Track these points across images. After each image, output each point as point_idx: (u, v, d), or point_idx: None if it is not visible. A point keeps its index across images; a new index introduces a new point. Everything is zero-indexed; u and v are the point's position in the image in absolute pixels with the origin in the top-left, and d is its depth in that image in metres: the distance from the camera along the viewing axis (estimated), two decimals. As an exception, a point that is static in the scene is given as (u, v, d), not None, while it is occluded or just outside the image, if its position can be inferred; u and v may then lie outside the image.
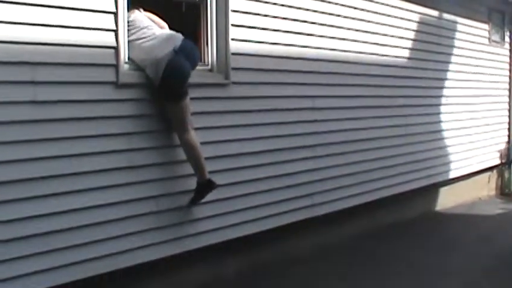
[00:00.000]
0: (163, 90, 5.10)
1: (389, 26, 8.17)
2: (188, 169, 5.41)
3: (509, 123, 12.20)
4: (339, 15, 7.23)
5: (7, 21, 4.29)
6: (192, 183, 5.45)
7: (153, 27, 5.31)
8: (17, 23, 4.35)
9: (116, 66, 4.95)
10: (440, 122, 9.50)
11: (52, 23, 4.53)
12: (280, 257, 6.60)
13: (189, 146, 5.30)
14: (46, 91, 4.52)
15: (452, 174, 9.91)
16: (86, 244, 4.78)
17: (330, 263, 6.80)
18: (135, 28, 5.17)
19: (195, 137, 5.32)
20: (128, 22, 5.11)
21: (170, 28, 5.45)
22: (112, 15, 4.92)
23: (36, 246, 4.49)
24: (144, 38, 5.15)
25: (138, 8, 5.35)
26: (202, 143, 5.46)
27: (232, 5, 5.87)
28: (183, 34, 5.28)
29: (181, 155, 5.37)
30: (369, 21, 7.77)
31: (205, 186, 5.47)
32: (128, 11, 5.12)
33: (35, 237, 4.48)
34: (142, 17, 5.34)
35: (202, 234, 5.72)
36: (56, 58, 4.57)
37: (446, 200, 10.04)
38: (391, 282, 6.29)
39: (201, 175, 5.43)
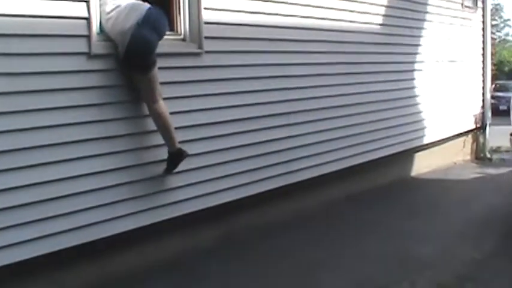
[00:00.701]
0: (128, 62, 5.09)
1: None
2: (160, 139, 5.43)
3: (483, 88, 12.33)
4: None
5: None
6: (165, 153, 5.49)
7: None
8: (-13, -5, 4.34)
9: (88, 37, 4.94)
10: (414, 88, 9.57)
11: (21, -6, 4.53)
12: (256, 225, 6.65)
13: (159, 116, 5.30)
14: (19, 63, 4.52)
15: (426, 140, 10.00)
16: (60, 216, 4.80)
17: (306, 230, 6.86)
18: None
19: (165, 107, 5.32)
20: None
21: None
22: (83, -14, 4.92)
23: (11, 218, 4.51)
24: (110, 10, 5.11)
25: None
26: (175, 113, 5.50)
27: (204, -26, 5.87)
28: (154, 3, 5.25)
29: (153, 125, 5.39)
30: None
31: (176, 155, 5.50)
32: None
33: (10, 210, 4.50)
34: None
35: (177, 204, 5.75)
36: (29, 30, 4.56)
37: (421, 165, 10.16)
38: (368, 247, 6.35)
39: (172, 145, 5.45)
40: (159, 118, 5.32)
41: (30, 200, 4.61)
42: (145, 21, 5.04)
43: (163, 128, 5.38)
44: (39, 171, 4.66)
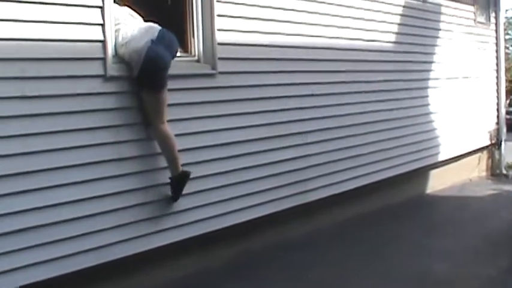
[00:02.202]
0: (142, 80, 5.12)
1: (376, 11, 8.21)
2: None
3: (497, 104, 12.27)
4: (323, 2, 7.27)
5: (-4, 19, 4.35)
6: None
7: (132, 20, 5.36)
8: (5, 20, 4.40)
9: (103, 60, 5.00)
10: (428, 105, 9.55)
11: (40, 19, 4.59)
12: (271, 244, 6.64)
13: (165, 138, 5.32)
14: (35, 86, 4.56)
15: (442, 157, 9.97)
16: (75, 237, 4.82)
17: (321, 249, 6.82)
18: (116, 24, 5.20)
19: (169, 129, 5.32)
20: None
21: (154, 21, 5.45)
22: (99, 10, 4.97)
23: (27, 240, 4.53)
24: (123, 31, 5.18)
25: (117, 3, 5.36)
26: (190, 134, 5.58)
27: (217, -4, 5.92)
28: (168, 26, 5.32)
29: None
30: (355, 8, 7.82)
31: (180, 178, 5.48)
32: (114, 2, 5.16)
33: (25, 232, 4.52)
34: (122, 11, 5.37)
35: (190, 224, 5.75)
36: (44, 53, 4.63)
37: (437, 182, 10.11)
38: (384, 265, 6.32)
39: (175, 168, 5.43)
40: (164, 140, 5.33)
41: (43, 222, 4.63)
42: (160, 40, 5.13)
43: (168, 150, 5.37)
44: (53, 193, 4.69)
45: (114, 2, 5.18)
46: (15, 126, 4.46)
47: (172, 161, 5.41)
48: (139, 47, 5.06)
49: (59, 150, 4.71)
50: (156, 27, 5.26)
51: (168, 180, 5.46)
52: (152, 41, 5.08)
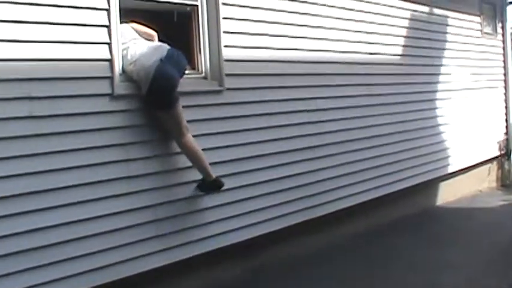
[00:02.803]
0: (151, 99, 5.14)
1: (381, 24, 8.22)
2: (185, 176, 5.50)
3: (506, 114, 12.22)
4: (328, 16, 7.28)
5: (3, 40, 4.37)
6: (189, 190, 5.56)
7: (140, 39, 5.38)
8: (12, 41, 4.42)
9: (111, 79, 5.02)
10: (436, 116, 9.54)
11: (46, 39, 4.61)
12: (283, 258, 6.63)
13: (189, 149, 5.38)
14: (42, 106, 4.58)
15: (451, 168, 9.94)
16: (87, 255, 4.82)
17: (331, 264, 6.80)
18: (124, 43, 5.22)
19: (193, 140, 5.39)
20: None
21: (160, 37, 5.48)
22: (105, 29, 4.99)
23: (39, 258, 4.53)
24: (132, 50, 5.20)
25: (125, 22, 5.37)
26: (200, 150, 5.56)
27: (223, 13, 5.93)
28: (174, 43, 5.34)
29: (178, 162, 5.45)
30: (360, 21, 7.83)
31: (213, 185, 5.57)
32: (120, 23, 5.18)
33: (36, 250, 4.52)
34: (129, 30, 5.39)
35: (202, 240, 5.75)
36: (52, 73, 4.65)
37: (447, 194, 10.07)
38: (395, 278, 6.31)
39: (207, 175, 5.52)
40: (189, 151, 5.39)
41: (58, 240, 4.64)
42: (168, 58, 5.14)
43: (196, 160, 5.44)
44: (66, 212, 4.69)
45: (121, 21, 5.18)
46: (23, 146, 4.47)
47: (203, 169, 5.51)
48: (147, 65, 5.07)
49: (68, 169, 4.72)
50: (165, 46, 5.29)
51: (182, 196, 5.50)
52: (161, 60, 5.08)
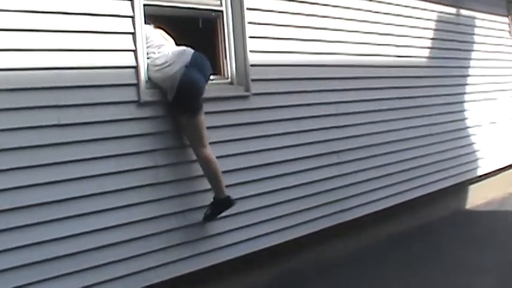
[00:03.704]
0: (178, 105, 5.13)
1: (408, 26, 8.20)
2: (207, 184, 5.45)
3: (536, 115, 12.10)
4: (353, 20, 7.26)
5: (31, 49, 4.42)
6: (211, 198, 5.49)
7: (165, 44, 5.37)
8: (41, 50, 4.47)
9: (137, 86, 5.03)
10: (465, 119, 9.46)
11: (73, 48, 4.65)
12: (310, 264, 6.60)
13: (207, 161, 5.28)
14: (70, 114, 4.61)
15: (480, 171, 9.84)
16: (114, 262, 4.83)
17: (361, 268, 6.75)
18: (149, 47, 5.23)
19: (211, 152, 5.31)
20: None
21: (186, 44, 5.47)
22: (130, 36, 5.02)
23: (65, 266, 4.54)
24: (157, 56, 5.20)
25: (150, 24, 5.38)
26: (224, 156, 5.54)
27: (248, 17, 5.94)
28: (199, 49, 5.33)
29: (200, 170, 5.40)
30: (386, 24, 7.80)
31: (224, 203, 5.43)
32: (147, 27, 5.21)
33: (68, 257, 4.55)
34: (155, 34, 5.39)
35: (231, 246, 5.74)
36: (78, 81, 4.67)
37: (476, 197, 9.96)
38: (425, 281, 6.25)
39: (220, 191, 5.38)
40: (207, 164, 5.30)
41: (87, 247, 4.66)
42: (193, 64, 5.13)
43: (212, 174, 5.34)
44: (92, 219, 4.71)
45: (145, 22, 5.20)
46: (52, 155, 4.50)
47: (215, 184, 5.37)
48: (173, 72, 5.07)
49: (95, 177, 4.74)
50: (190, 50, 5.25)
51: (203, 203, 5.45)
52: (186, 66, 5.07)
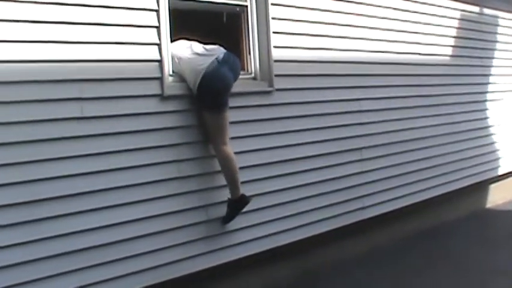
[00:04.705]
0: (203, 100, 5.14)
1: (432, 25, 8.15)
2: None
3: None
4: (377, 17, 7.23)
5: (55, 41, 4.41)
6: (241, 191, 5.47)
7: (195, 43, 5.34)
8: (64, 42, 4.46)
9: (160, 79, 5.03)
10: (486, 118, 9.41)
11: (97, 40, 4.64)
12: (331, 261, 6.58)
13: (226, 158, 5.26)
14: (93, 107, 4.61)
15: (501, 170, 9.79)
16: (138, 255, 4.84)
17: (381, 266, 6.74)
18: (181, 48, 5.25)
19: (231, 151, 5.29)
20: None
21: (210, 39, 5.46)
22: (155, 29, 5.02)
23: (92, 258, 4.56)
24: (188, 52, 5.21)
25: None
26: (247, 152, 5.57)
27: (272, 13, 5.91)
28: (224, 44, 5.34)
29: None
30: (410, 22, 7.76)
31: (239, 202, 5.40)
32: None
33: (90, 250, 4.55)
34: (184, 42, 5.37)
35: (252, 241, 5.74)
36: (102, 74, 4.67)
37: (497, 196, 9.91)
38: (442, 281, 6.23)
39: (235, 190, 5.36)
40: (226, 161, 5.27)
41: (110, 240, 4.67)
42: (225, 61, 5.14)
43: (229, 172, 5.31)
44: (117, 212, 4.72)
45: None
46: (75, 147, 4.50)
47: (232, 182, 5.34)
48: (203, 66, 5.06)
49: (119, 170, 4.75)
50: (222, 49, 5.26)
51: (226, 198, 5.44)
52: (218, 61, 5.08)
